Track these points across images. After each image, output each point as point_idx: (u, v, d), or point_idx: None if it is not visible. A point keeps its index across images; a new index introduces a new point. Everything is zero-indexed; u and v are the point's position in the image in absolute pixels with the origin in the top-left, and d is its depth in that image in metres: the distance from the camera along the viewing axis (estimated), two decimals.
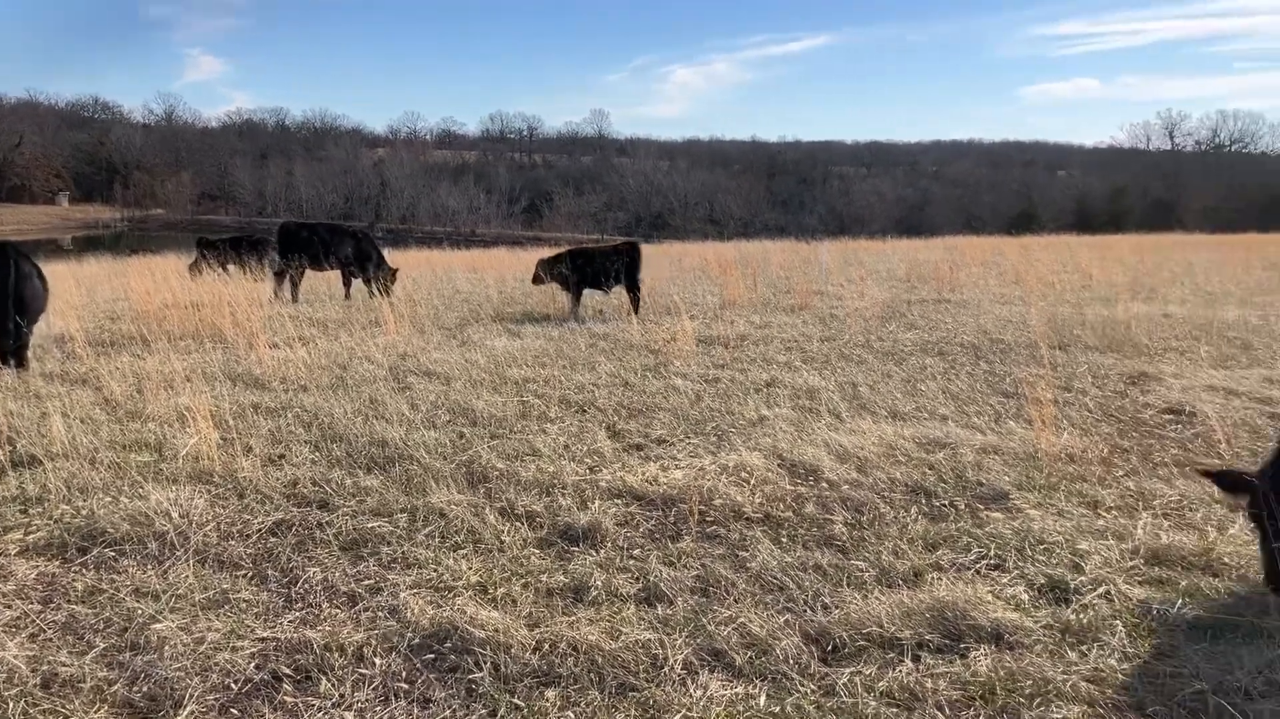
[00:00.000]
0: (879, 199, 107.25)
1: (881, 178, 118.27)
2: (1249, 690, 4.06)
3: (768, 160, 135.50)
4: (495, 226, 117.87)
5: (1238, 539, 5.73)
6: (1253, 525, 5.09)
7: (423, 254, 35.36)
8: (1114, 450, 7.78)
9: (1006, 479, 6.96)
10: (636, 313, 16.03)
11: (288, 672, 4.35)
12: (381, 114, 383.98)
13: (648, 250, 34.01)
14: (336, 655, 4.47)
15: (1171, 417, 8.90)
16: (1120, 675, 4.24)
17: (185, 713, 4.02)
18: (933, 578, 5.24)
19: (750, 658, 4.41)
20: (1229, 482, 5.17)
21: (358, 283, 19.60)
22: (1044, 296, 17.86)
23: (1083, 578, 5.22)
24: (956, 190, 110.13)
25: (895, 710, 3.97)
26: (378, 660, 4.43)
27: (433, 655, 4.47)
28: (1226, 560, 5.46)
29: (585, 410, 9.17)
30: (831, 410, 9.00)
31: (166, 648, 4.53)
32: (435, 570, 5.42)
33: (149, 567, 5.48)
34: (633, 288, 16.58)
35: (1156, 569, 5.40)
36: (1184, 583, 5.21)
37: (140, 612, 4.88)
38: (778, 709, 3.99)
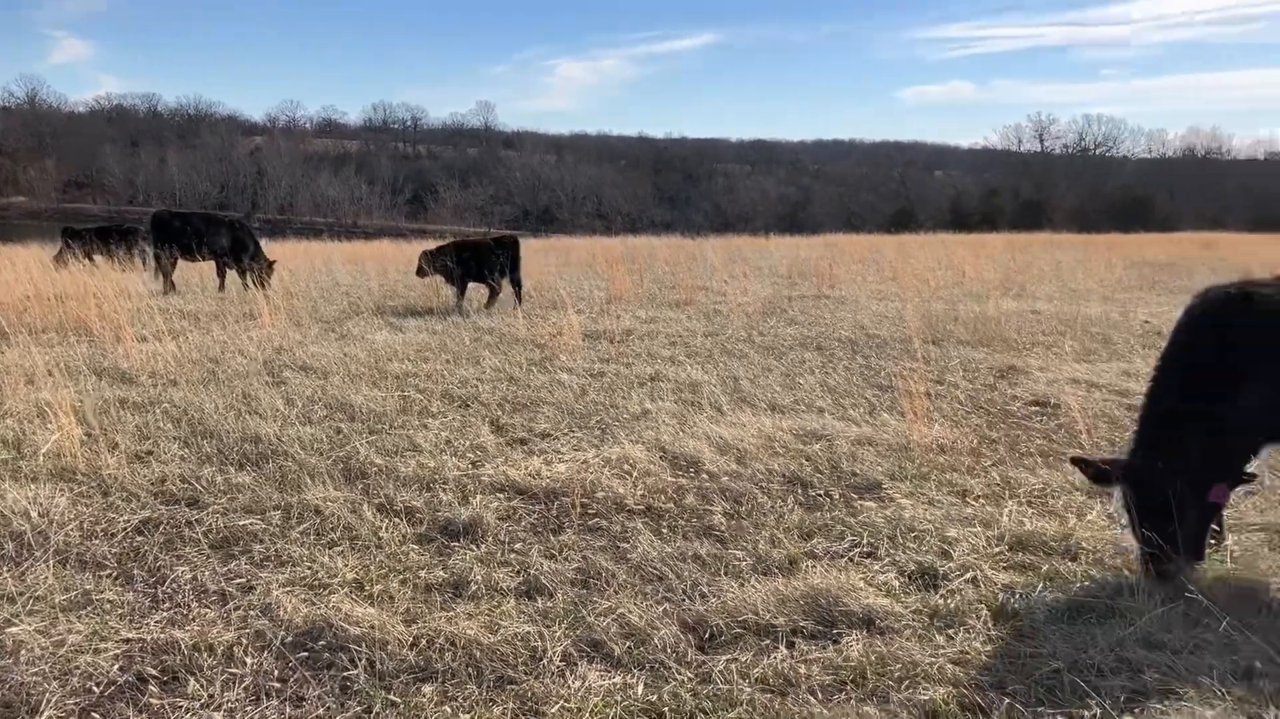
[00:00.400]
0: (763, 196, 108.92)
1: (765, 176, 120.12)
2: (1101, 668, 4.26)
3: (654, 156, 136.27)
4: (378, 218, 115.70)
5: (1095, 524, 6.01)
6: (1123, 512, 5.35)
7: (301, 245, 34.54)
8: (983, 441, 8.07)
9: (880, 469, 7.15)
10: (520, 304, 16.04)
11: (154, 673, 4.21)
12: (259, 101, 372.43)
13: (535, 245, 33.83)
14: (205, 655, 4.35)
15: (1037, 408, 9.27)
16: (984, 657, 4.40)
17: (43, 718, 3.86)
18: (807, 566, 5.36)
19: (629, 648, 4.44)
20: (1089, 468, 5.42)
21: (233, 274, 19.06)
22: (919, 293, 18.38)
23: (951, 564, 5.41)
24: (838, 189, 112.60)
25: (770, 696, 4.05)
26: (249, 660, 4.32)
27: (306, 653, 4.39)
28: (1085, 545, 5.71)
29: (468, 405, 9.09)
30: (713, 404, 9.11)
31: (23, 651, 4.34)
32: (310, 568, 5.31)
33: (4, 568, 5.24)
34: (515, 281, 16.55)
35: (1020, 555, 5.62)
36: (1045, 567, 5.43)
37: None
38: (655, 698, 4.03)
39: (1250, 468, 5.64)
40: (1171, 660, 4.29)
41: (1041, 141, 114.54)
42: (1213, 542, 5.66)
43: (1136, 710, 3.92)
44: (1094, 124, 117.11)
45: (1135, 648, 4.42)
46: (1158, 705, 3.94)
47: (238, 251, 18.97)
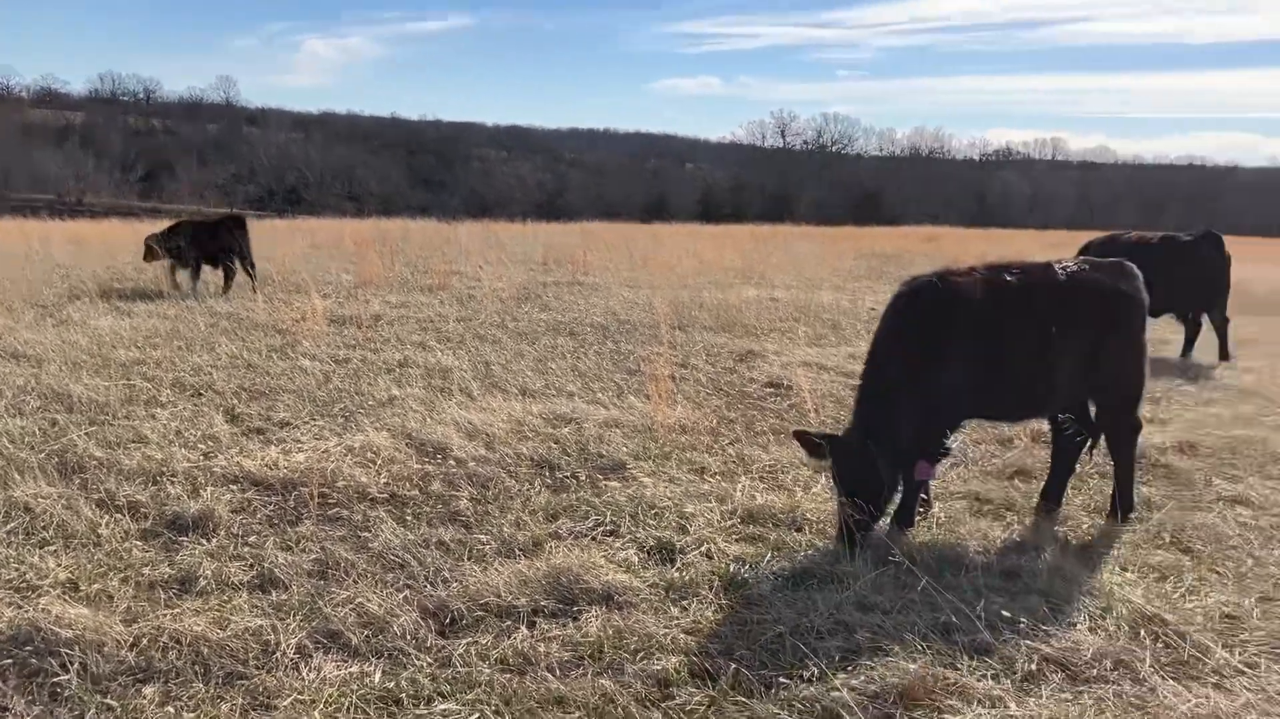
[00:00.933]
0: (520, 183, 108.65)
1: (522, 162, 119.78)
2: (820, 630, 4.56)
3: (408, 138, 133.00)
4: (107, 196, 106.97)
5: (819, 497, 6.41)
6: (831, 483, 5.75)
7: (16, 224, 31.57)
8: (721, 421, 8.43)
9: (625, 450, 7.35)
10: (254, 290, 15.44)
11: None
12: None
13: (281, 226, 32.38)
14: None
15: (772, 390, 9.77)
16: (714, 625, 4.63)
17: None
18: (551, 547, 5.45)
19: (367, 636, 4.38)
20: (808, 442, 5.78)
21: None
22: (668, 281, 18.92)
23: (688, 538, 5.64)
24: (594, 178, 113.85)
25: (509, 676, 4.10)
26: None
27: (10, 661, 4.06)
28: (809, 517, 6.09)
29: (201, 394, 8.65)
30: (463, 389, 9.07)
31: None
32: (17, 569, 4.92)
33: None
34: (247, 261, 15.90)
35: (751, 527, 5.93)
36: (773, 538, 5.76)
37: None
38: (393, 684, 4.00)
39: (953, 443, 6.21)
40: (882, 620, 4.66)
41: (784, 138, 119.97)
42: (921, 510, 6.19)
43: (849, 668, 4.22)
44: (831, 122, 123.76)
45: (851, 610, 4.77)
46: (868, 662, 4.27)
47: None
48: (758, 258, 24.81)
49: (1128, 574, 5.40)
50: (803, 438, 5.86)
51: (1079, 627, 4.68)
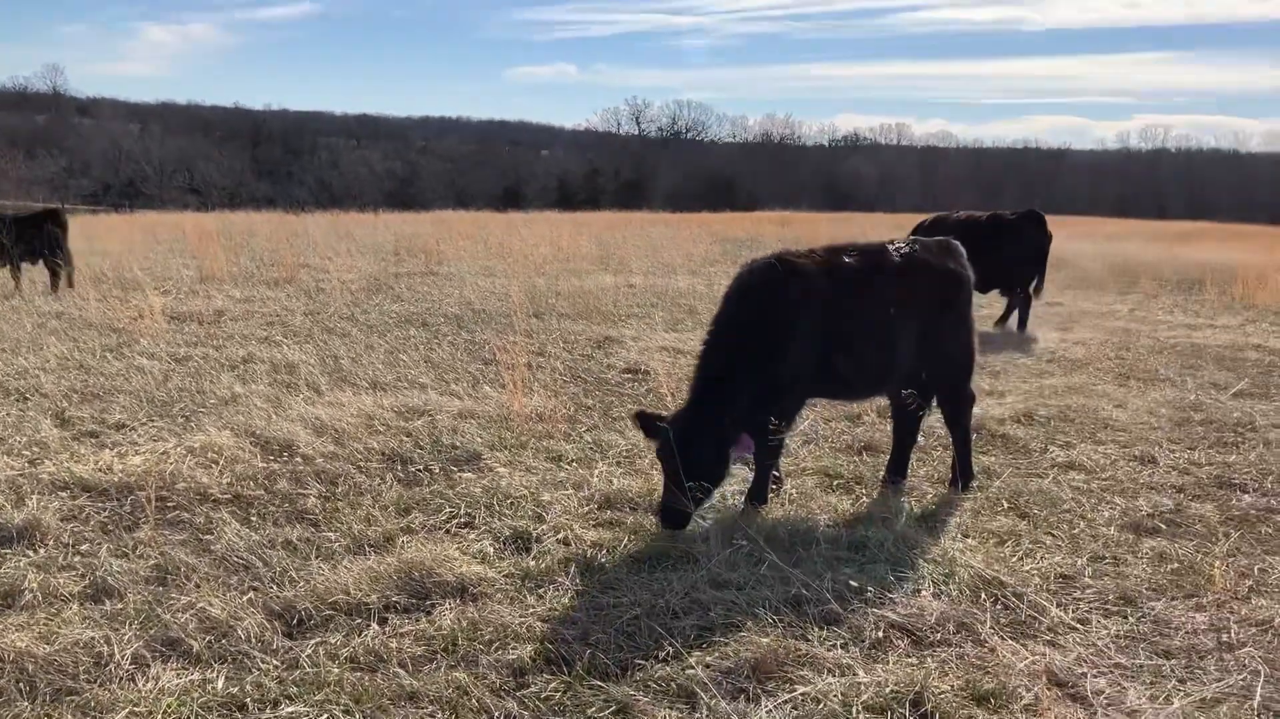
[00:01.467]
0: (369, 172, 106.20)
1: (372, 150, 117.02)
2: (676, 610, 4.61)
3: (253, 128, 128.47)
4: None
5: None
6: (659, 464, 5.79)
7: None
8: (579, 408, 8.44)
9: (480, 441, 7.27)
10: (71, 286, 14.86)
11: None
12: None
13: (117, 221, 30.89)
14: None
15: (630, 375, 9.83)
16: (571, 611, 4.62)
17: None
18: (403, 541, 5.35)
19: (209, 642, 4.21)
20: (646, 424, 5.82)
21: None
22: (524, 269, 18.80)
23: (544, 527, 5.62)
24: (446, 166, 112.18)
25: (360, 674, 4.01)
26: None
27: None
28: None
29: (27, 398, 8.17)
30: (311, 384, 8.82)
31: None
32: None
33: None
34: (64, 258, 15.19)
35: (609, 512, 5.95)
36: (630, 522, 5.80)
37: None
38: (237, 689, 3.85)
39: (804, 423, 6.35)
40: (735, 597, 4.74)
41: (638, 124, 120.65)
42: (774, 487, 6.32)
43: (704, 646, 4.28)
44: (684, 109, 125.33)
45: (705, 589, 4.83)
46: (722, 639, 4.34)
47: None
48: (614, 245, 24.90)
49: (969, 540, 5.63)
50: (639, 419, 5.91)
51: (923, 593, 4.85)
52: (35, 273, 15.52)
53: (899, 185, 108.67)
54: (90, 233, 25.85)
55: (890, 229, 22.15)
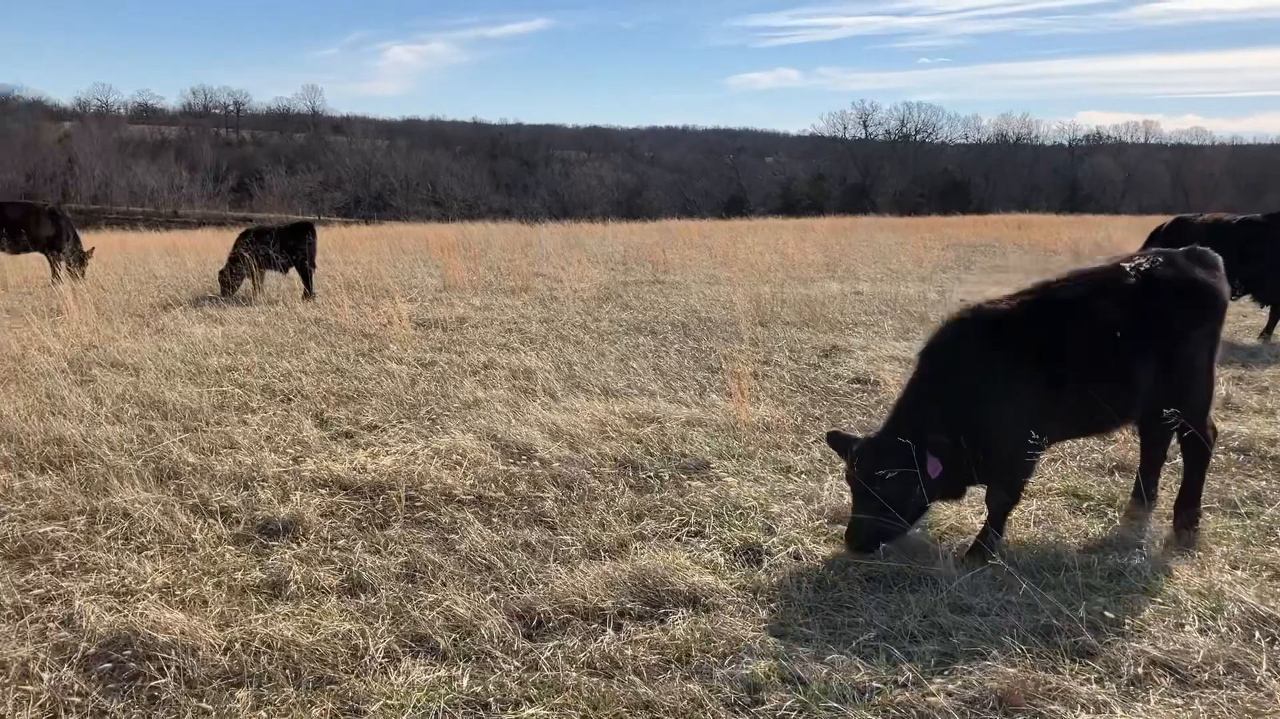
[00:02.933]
0: (599, 183, 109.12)
1: (601, 162, 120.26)
2: (914, 633, 4.44)
3: (490, 142, 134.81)
4: (200, 206, 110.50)
5: None
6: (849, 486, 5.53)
7: (117, 237, 32.70)
8: (806, 419, 8.30)
9: (708, 450, 7.27)
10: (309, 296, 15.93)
11: None
12: (68, 85, 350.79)
13: (367, 232, 32.95)
14: None
15: (858, 385, 9.60)
16: (804, 628, 4.53)
17: None
18: (636, 548, 5.40)
19: (455, 640, 4.38)
20: (839, 442, 5.61)
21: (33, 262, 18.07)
22: (749, 277, 18.76)
23: (774, 539, 5.54)
24: (672, 175, 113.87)
25: (596, 679, 4.06)
26: (45, 675, 4.06)
27: (110, 665, 4.15)
28: None
29: (290, 399, 8.80)
30: (547, 390, 9.08)
31: None
32: (116, 574, 5.04)
33: None
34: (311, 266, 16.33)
35: (839, 527, 5.79)
36: None
37: None
38: (480, 688, 3.98)
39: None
40: (978, 623, 4.51)
41: (865, 128, 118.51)
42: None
43: (945, 673, 4.10)
44: (914, 111, 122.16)
45: (945, 612, 4.63)
46: (965, 666, 4.13)
47: (60, 242, 18.03)
48: (840, 251, 24.49)
49: (1239, 572, 5.16)
50: (833, 439, 5.70)
51: (1187, 628, 4.48)
52: (279, 281, 16.72)
53: (1146, 185, 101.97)
54: (344, 243, 27.73)
55: (1137, 232, 20.78)
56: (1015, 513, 5.95)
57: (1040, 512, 6.10)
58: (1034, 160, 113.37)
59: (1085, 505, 6.25)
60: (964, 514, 5.94)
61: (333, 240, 27.77)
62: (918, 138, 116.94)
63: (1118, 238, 27.68)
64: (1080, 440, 7.57)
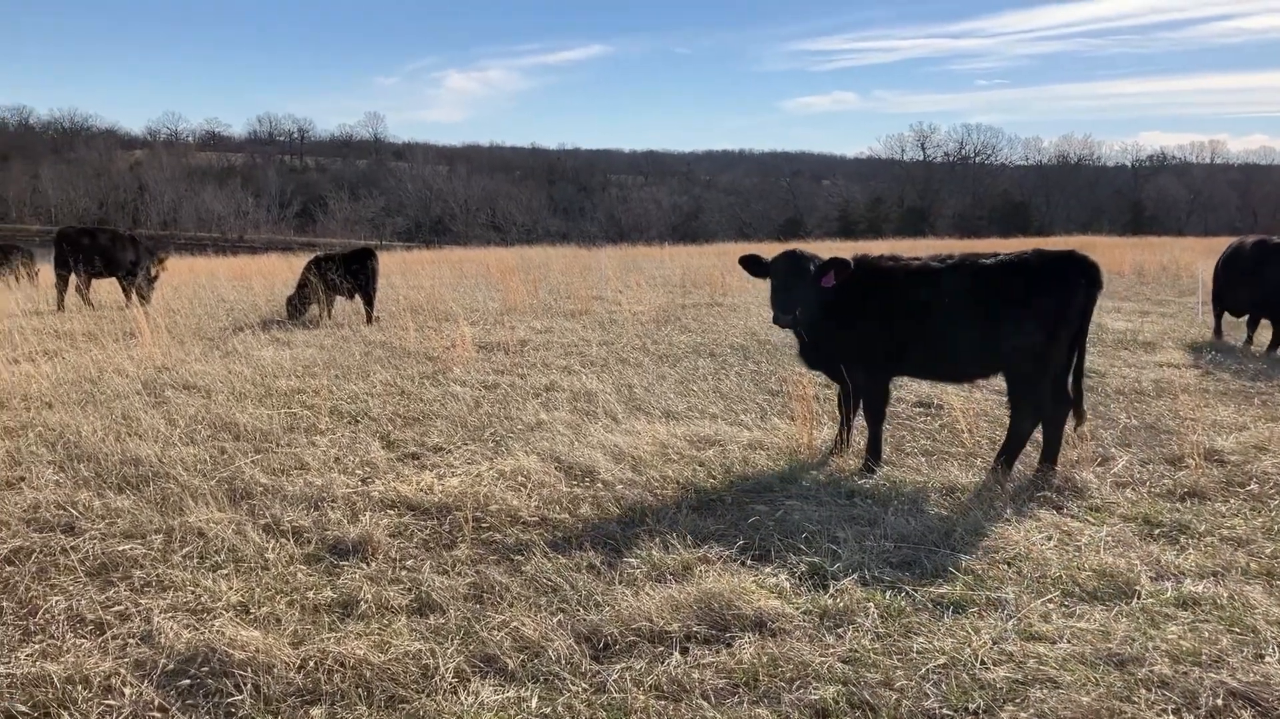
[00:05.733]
0: (656, 206, 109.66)
1: (658, 186, 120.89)
2: (984, 660, 4.39)
3: (548, 167, 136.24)
4: (265, 232, 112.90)
5: (975, 521, 6.18)
6: None
7: (186, 261, 33.48)
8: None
9: (771, 472, 7.26)
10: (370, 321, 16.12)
11: (23, 709, 4.03)
12: (139, 114, 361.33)
13: (428, 257, 33.39)
14: (80, 688, 4.18)
15: (922, 409, 9.52)
16: (873, 654, 4.50)
17: None
18: (701, 571, 5.40)
19: (523, 661, 4.42)
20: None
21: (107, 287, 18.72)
22: None
23: (840, 564, 5.51)
24: (729, 198, 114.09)
25: (664, 703, 4.07)
26: (127, 690, 4.17)
27: (189, 681, 4.25)
28: (967, 540, 5.88)
29: (358, 421, 8.94)
30: (608, 412, 9.13)
31: None
32: (193, 592, 5.15)
33: None
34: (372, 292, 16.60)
35: (905, 550, 5.76)
36: (929, 564, 5.57)
37: None
38: (549, 710, 4.01)
39: None
40: (1049, 650, 4.46)
41: (924, 150, 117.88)
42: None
43: (1018, 700, 4.05)
44: (973, 133, 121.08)
45: (1015, 639, 4.58)
46: (1037, 694, 4.08)
47: (137, 267, 18.67)
48: None
49: None
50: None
51: (1268, 659, 4.38)
52: (345, 305, 16.98)
53: (1212, 206, 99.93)
54: (406, 267, 28.13)
55: (1203, 253, 20.38)
56: (1086, 537, 5.90)
57: (1110, 537, 6.00)
58: (1096, 181, 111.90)
59: (1156, 532, 6.13)
60: (1033, 539, 5.86)
61: (395, 265, 28.18)
62: (977, 159, 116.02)
63: (1183, 259, 27.17)
64: (1150, 465, 7.46)
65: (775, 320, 7.46)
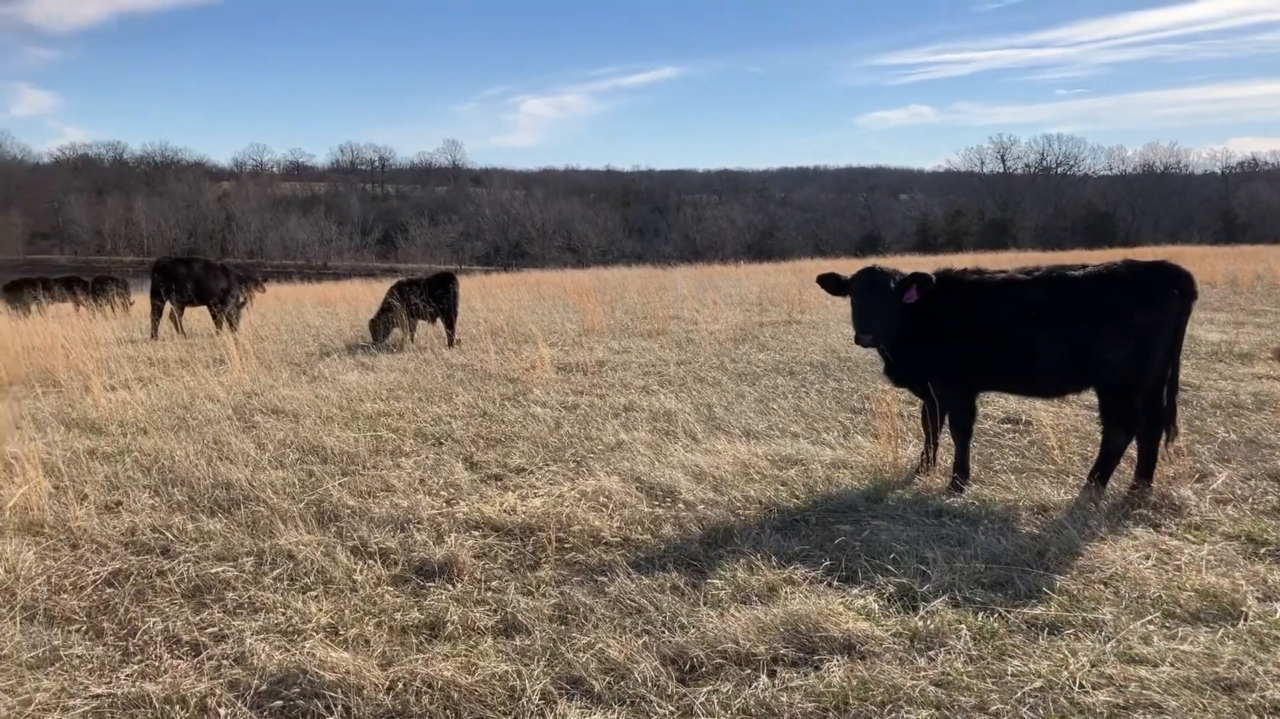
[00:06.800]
0: (730, 225, 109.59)
1: (732, 204, 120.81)
2: (1082, 684, 4.25)
3: (623, 189, 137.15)
4: (348, 259, 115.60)
5: (1069, 539, 6.00)
6: None
7: (271, 288, 34.28)
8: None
9: (856, 492, 7.15)
10: (451, 344, 16.30)
11: None
12: (226, 146, 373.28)
13: (506, 280, 33.74)
14: (178, 708, 4.26)
15: (1010, 426, 9.31)
16: (966, 677, 4.38)
17: None
18: (786, 592, 5.33)
19: (609, 683, 4.40)
20: None
21: (197, 314, 19.35)
22: None
23: (929, 585, 5.39)
24: (804, 215, 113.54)
25: None
26: (222, 710, 4.24)
27: (281, 702, 4.31)
28: (1061, 560, 5.72)
29: (441, 442, 9.04)
30: (688, 432, 9.10)
31: None
32: (284, 614, 5.24)
33: None
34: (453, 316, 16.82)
35: (997, 571, 5.61)
36: (1022, 584, 5.43)
37: None
38: None
39: None
40: (1151, 674, 4.30)
41: (1004, 162, 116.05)
42: None
43: None
44: (1054, 144, 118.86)
45: (1115, 662, 4.43)
46: None
47: (229, 296, 19.27)
48: None
49: None
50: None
51: None
52: (427, 329, 17.22)
53: None
54: (485, 290, 28.48)
55: None
56: (1186, 556, 5.70)
57: (1211, 556, 5.79)
58: (1184, 190, 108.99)
59: (1261, 551, 5.89)
60: (1130, 558, 5.67)
61: (474, 288, 28.55)
62: (1059, 170, 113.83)
63: (1279, 269, 26.27)
64: (1252, 482, 7.19)
65: (857, 340, 7.35)
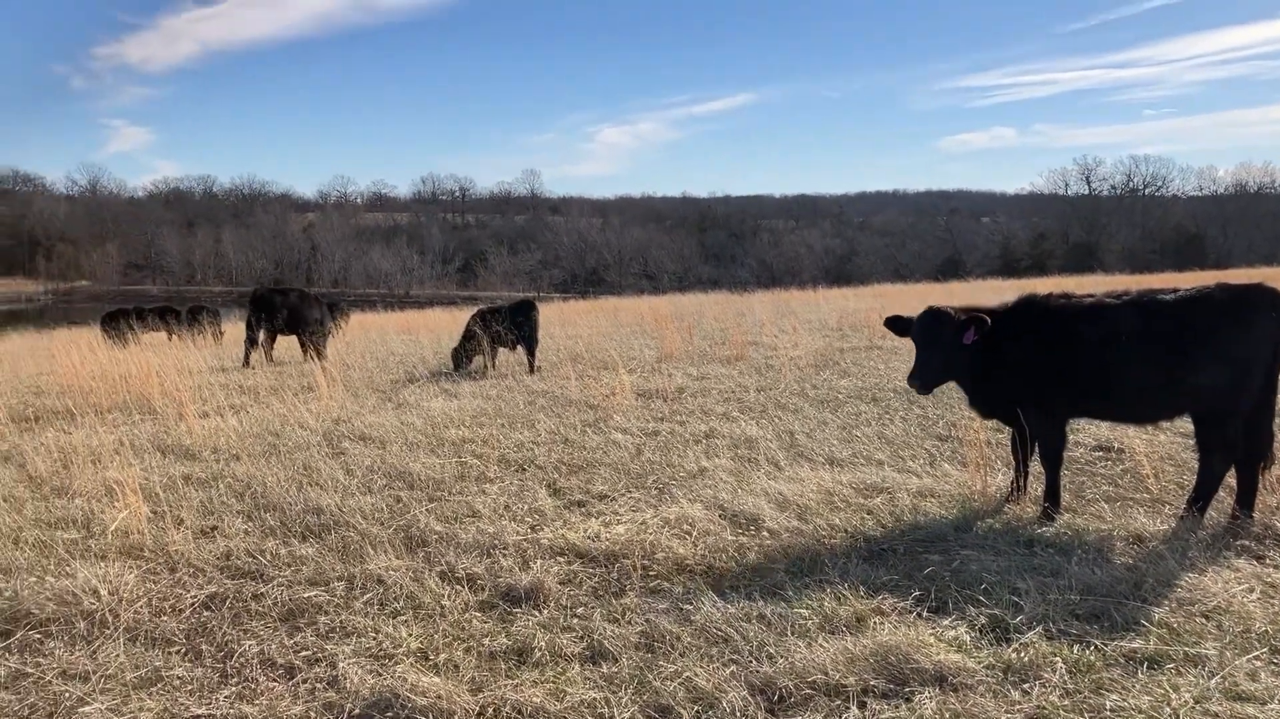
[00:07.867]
0: (808, 250, 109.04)
1: (809, 230, 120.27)
2: None
3: (699, 215, 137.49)
4: (429, 287, 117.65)
5: (1168, 570, 5.83)
6: None
7: (356, 317, 34.99)
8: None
9: (944, 521, 7.04)
10: (532, 371, 16.47)
11: None
12: (311, 178, 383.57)
13: (584, 307, 34.01)
14: None
15: (1102, 454, 9.09)
16: (1062, 712, 4.28)
17: None
18: (875, 622, 5.27)
19: (697, 712, 4.38)
20: None
21: (280, 342, 19.94)
22: None
23: (1022, 616, 5.28)
24: (883, 240, 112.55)
25: None
26: None
27: None
28: (1159, 592, 5.56)
29: (525, 469, 9.12)
30: (770, 459, 9.05)
31: None
32: (374, 638, 5.32)
33: (77, 647, 5.31)
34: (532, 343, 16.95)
35: (1092, 602, 5.47)
36: (1118, 616, 5.29)
37: (68, 694, 4.72)
38: None
39: None
40: (1259, 712, 4.15)
41: (1089, 184, 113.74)
42: None
43: None
44: (1141, 164, 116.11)
45: (1219, 699, 4.30)
46: None
47: (319, 325, 19.78)
48: None
49: None
50: None
51: None
52: (507, 356, 17.40)
53: None
54: (564, 318, 28.72)
55: None
56: None
57: None
58: (1279, 210, 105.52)
59: None
60: (1233, 590, 5.49)
61: (554, 315, 28.81)
62: (1146, 192, 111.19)
63: None
64: None
65: (910, 383, 7.52)
